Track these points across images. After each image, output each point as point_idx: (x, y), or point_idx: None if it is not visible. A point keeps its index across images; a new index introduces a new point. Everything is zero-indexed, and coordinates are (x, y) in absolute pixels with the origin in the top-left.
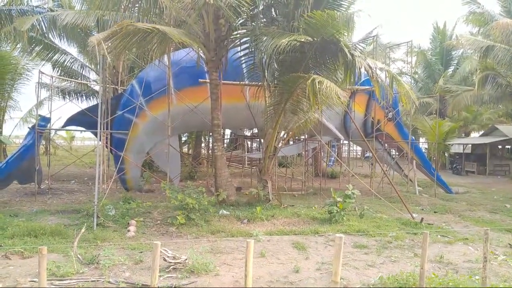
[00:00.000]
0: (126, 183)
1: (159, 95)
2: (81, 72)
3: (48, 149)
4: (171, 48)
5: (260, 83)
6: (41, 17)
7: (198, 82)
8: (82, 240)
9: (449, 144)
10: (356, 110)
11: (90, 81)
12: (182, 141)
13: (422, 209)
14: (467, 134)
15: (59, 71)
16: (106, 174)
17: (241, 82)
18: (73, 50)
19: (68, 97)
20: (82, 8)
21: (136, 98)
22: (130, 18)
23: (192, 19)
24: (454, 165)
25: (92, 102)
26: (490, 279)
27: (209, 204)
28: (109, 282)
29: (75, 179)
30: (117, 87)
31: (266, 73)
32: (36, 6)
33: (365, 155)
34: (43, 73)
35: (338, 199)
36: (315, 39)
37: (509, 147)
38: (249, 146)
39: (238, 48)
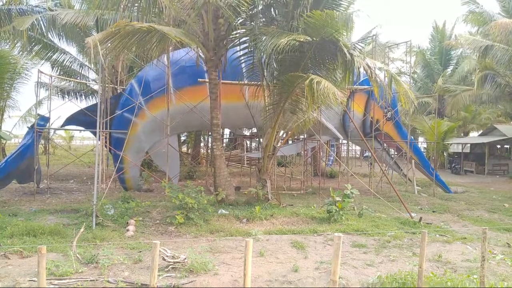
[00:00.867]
0: (125, 183)
1: (159, 95)
2: (80, 71)
3: (47, 148)
4: (171, 48)
5: (259, 83)
6: (40, 17)
7: (198, 81)
8: (81, 240)
9: (448, 144)
10: (355, 109)
11: (89, 81)
12: (181, 141)
13: (421, 209)
14: (466, 134)
15: (58, 70)
16: (105, 173)
17: (240, 82)
18: (72, 49)
19: (67, 97)
20: (82, 8)
21: (135, 97)
22: (129, 17)
23: (191, 18)
24: (453, 165)
25: (91, 101)
26: (488, 278)
27: (208, 204)
28: (108, 281)
29: (74, 178)
30: (116, 86)
31: (265, 73)
32: (36, 6)
33: (364, 155)
34: (42, 72)
35: (337, 198)
36: (314, 38)
37: (507, 146)
38: (248, 145)
39: (238, 48)
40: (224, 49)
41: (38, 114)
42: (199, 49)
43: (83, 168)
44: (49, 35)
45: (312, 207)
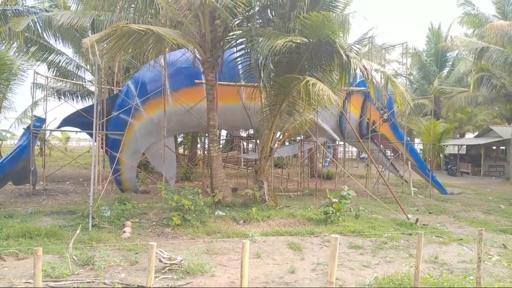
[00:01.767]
0: (121, 184)
1: (155, 96)
2: (76, 72)
3: (43, 150)
4: (167, 49)
5: (256, 84)
6: (36, 18)
7: (194, 83)
8: (77, 241)
9: (444, 145)
10: (352, 111)
11: (85, 82)
12: (178, 142)
13: (417, 210)
14: (462, 135)
15: (55, 71)
16: (102, 175)
17: (237, 83)
18: (68, 50)
19: (63, 98)
20: (78, 9)
21: (132, 98)
22: (125, 18)
23: (188, 20)
24: (449, 166)
25: (88, 102)
26: (484, 279)
27: (205, 205)
28: (104, 283)
29: (70, 180)
30: (112, 87)
31: (262, 74)
32: (31, 6)
33: (361, 156)
34: (38, 73)
35: (334, 200)
36: (311, 40)
37: (503, 148)
38: (245, 147)
39: (234, 49)
40: (220, 50)
41: (34, 115)
42: (195, 50)
43: (80, 169)
44: (45, 36)
45: (309, 209)
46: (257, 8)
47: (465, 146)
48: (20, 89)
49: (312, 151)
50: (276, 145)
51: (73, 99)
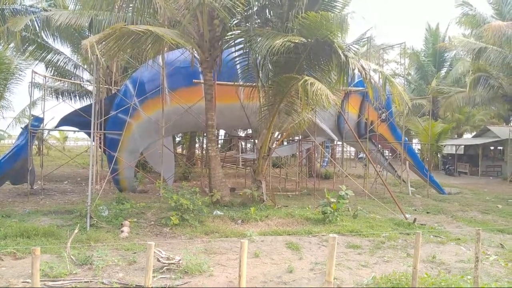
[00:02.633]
0: (119, 184)
1: (153, 96)
2: (74, 72)
3: (41, 149)
4: (165, 49)
5: (254, 84)
6: (35, 17)
7: (192, 82)
8: (75, 241)
9: (442, 145)
10: (350, 111)
11: (83, 81)
12: (176, 142)
13: (415, 210)
14: (460, 135)
15: (53, 71)
16: (100, 174)
17: (235, 83)
18: (66, 50)
19: (61, 97)
20: (76, 8)
21: (130, 98)
22: (124, 18)
23: (186, 19)
24: (447, 166)
25: (86, 102)
26: (482, 279)
27: (203, 205)
28: (102, 282)
29: (68, 179)
30: (111, 87)
31: (260, 74)
32: (30, 6)
33: (359, 156)
34: (36, 73)
35: (332, 199)
36: (309, 40)
37: (501, 148)
38: (243, 146)
39: (233, 49)
40: (219, 50)
41: (32, 115)
42: (194, 50)
43: (77, 169)
44: (44, 36)
45: (307, 208)
46: (255, 8)
47: (463, 146)
48: (18, 88)
49: (310, 151)
50: (274, 145)
51: (71, 99)
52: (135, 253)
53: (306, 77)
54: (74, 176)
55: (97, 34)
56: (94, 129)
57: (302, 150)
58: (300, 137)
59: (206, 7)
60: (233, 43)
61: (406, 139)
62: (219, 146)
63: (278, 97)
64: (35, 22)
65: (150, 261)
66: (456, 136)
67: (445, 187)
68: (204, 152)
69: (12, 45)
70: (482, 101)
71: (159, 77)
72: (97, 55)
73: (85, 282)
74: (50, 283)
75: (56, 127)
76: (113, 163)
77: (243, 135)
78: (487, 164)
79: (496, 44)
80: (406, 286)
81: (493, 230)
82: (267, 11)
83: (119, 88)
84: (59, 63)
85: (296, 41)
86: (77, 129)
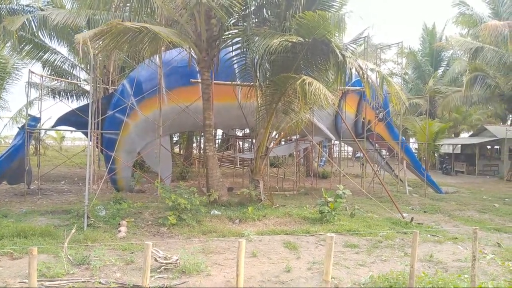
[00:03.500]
0: (116, 184)
1: (151, 95)
2: (71, 71)
3: (38, 149)
4: (163, 48)
5: (251, 83)
6: (31, 16)
7: (190, 82)
8: (72, 241)
9: (439, 145)
10: (347, 110)
11: (80, 81)
12: (174, 141)
13: (412, 209)
14: (457, 135)
15: (49, 70)
16: (97, 174)
17: (232, 82)
18: (63, 49)
19: (58, 97)
20: (73, 8)
21: (127, 98)
22: (121, 17)
23: (183, 19)
24: (444, 165)
25: (83, 102)
26: (479, 277)
27: (200, 204)
28: (99, 282)
29: (65, 179)
30: (108, 86)
31: (257, 73)
32: (26, 5)
33: (356, 155)
34: (33, 72)
35: (329, 199)
36: (307, 39)
37: (498, 147)
38: (241, 146)
39: (230, 48)
40: (216, 49)
41: (29, 115)
42: (191, 49)
43: (75, 169)
44: (40, 35)
45: (305, 208)
46: (253, 8)
47: (460, 146)
48: (14, 88)
49: (307, 150)
50: (272, 145)
51: (68, 98)
52: (132, 253)
53: (304, 77)
54: (71, 176)
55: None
56: (91, 129)
57: (300, 149)
58: (297, 137)
59: (203, 7)
60: (230, 43)
61: (403, 138)
62: (217, 145)
63: (276, 96)
64: (32, 22)
65: (148, 261)
66: (453, 135)
67: (442, 186)
68: (201, 151)
69: (8, 44)
70: (479, 101)
71: (156, 77)
72: (91, 51)
73: (82, 282)
74: (47, 283)
75: (53, 127)
76: (110, 162)
77: (240, 134)
78: (484, 163)
79: (493, 44)
80: (403, 285)
81: (490, 229)
82: (264, 10)
83: (116, 87)
84: (56, 62)
85: (294, 40)
86: (74, 129)
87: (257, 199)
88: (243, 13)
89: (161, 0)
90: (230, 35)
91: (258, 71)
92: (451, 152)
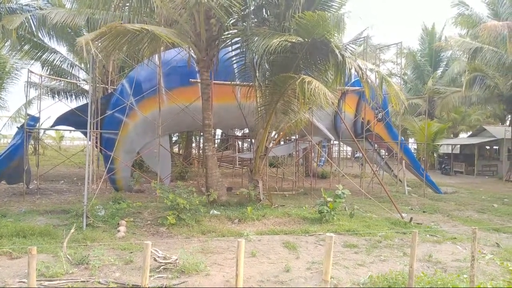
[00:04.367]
0: (116, 183)
1: (150, 95)
2: (70, 71)
3: (37, 149)
4: (162, 48)
5: (251, 83)
6: (30, 16)
7: (189, 82)
8: (71, 241)
9: (438, 145)
10: (347, 110)
11: (79, 80)
12: (173, 141)
13: (411, 209)
14: (456, 135)
15: (49, 70)
16: (96, 174)
17: (232, 82)
18: (62, 49)
19: (57, 97)
20: (72, 7)
21: (127, 97)
22: (120, 17)
23: (183, 18)
24: (443, 166)
25: (82, 101)
26: (478, 277)
27: (200, 204)
28: (99, 282)
29: (64, 179)
30: (107, 86)
31: (257, 73)
32: (25, 4)
33: (355, 155)
34: (32, 72)
35: (329, 199)
36: (306, 39)
37: (497, 147)
38: (240, 146)
39: (229, 48)
40: (216, 49)
41: (28, 114)
42: (190, 49)
43: (74, 168)
44: (39, 35)
45: (304, 208)
46: (252, 8)
47: (459, 146)
48: (13, 87)
49: (307, 150)
50: (271, 145)
51: (67, 98)
52: (131, 252)
53: (304, 76)
54: (70, 176)
55: (93, 32)
56: (90, 129)
57: (299, 149)
58: (297, 137)
59: (202, 7)
60: (230, 43)
61: (403, 138)
62: (216, 145)
63: (275, 96)
64: (31, 21)
65: (147, 261)
66: (452, 135)
67: (441, 186)
68: (200, 151)
69: (7, 43)
70: (478, 101)
71: (155, 77)
72: (92, 53)
73: (81, 281)
74: (46, 283)
75: (52, 126)
76: (109, 162)
77: (240, 134)
78: (483, 164)
79: (492, 44)
80: (402, 285)
81: (489, 229)
82: (264, 10)
83: (115, 87)
84: (55, 62)
85: (293, 40)
86: (73, 128)
87: (256, 199)
88: (242, 13)
89: (160, 0)
90: (229, 35)
91: (257, 71)
92: (450, 152)
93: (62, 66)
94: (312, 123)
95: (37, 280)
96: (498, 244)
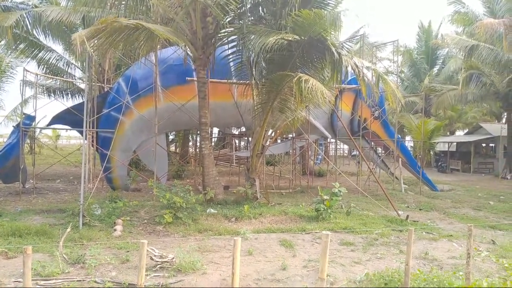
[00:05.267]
0: (112, 182)
1: (146, 93)
2: (66, 70)
3: (33, 148)
4: (158, 46)
5: (248, 82)
6: (25, 13)
7: (186, 80)
8: (67, 240)
9: (434, 142)
10: (343, 108)
11: (75, 79)
12: (170, 140)
13: (408, 207)
14: (452, 133)
15: (44, 68)
16: (92, 173)
17: (228, 81)
18: (58, 47)
19: (53, 95)
20: (68, 5)
21: (123, 96)
22: (116, 15)
23: (179, 17)
24: (439, 163)
25: (78, 100)
26: (473, 274)
27: (196, 203)
28: (95, 281)
29: (60, 178)
30: (103, 85)
31: (253, 71)
32: (20, 2)
33: (352, 153)
34: (27, 71)
35: (325, 197)
36: (303, 37)
37: (493, 145)
38: (237, 144)
39: (226, 46)
40: (212, 47)
41: (24, 113)
42: (187, 47)
43: (70, 167)
44: (35, 33)
45: (301, 206)
46: (248, 5)
47: (455, 143)
48: (9, 86)
49: (304, 148)
50: (268, 143)
51: (63, 97)
52: (128, 251)
53: (301, 74)
54: (66, 175)
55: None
56: (86, 127)
57: (296, 147)
58: (293, 135)
59: (199, 5)
60: (226, 41)
61: (399, 136)
62: (213, 144)
63: (272, 94)
64: (26, 19)
65: (143, 260)
66: (448, 133)
67: (437, 184)
68: (197, 150)
69: (3, 42)
70: (474, 99)
71: (152, 75)
72: (88, 51)
73: (77, 281)
74: (42, 282)
75: (48, 125)
76: (105, 161)
77: (237, 133)
78: (479, 161)
79: (488, 42)
80: (398, 283)
81: (485, 227)
82: (260, 8)
83: (111, 86)
84: (51, 60)
85: (290, 38)
86: (69, 127)
87: (253, 197)
88: (239, 11)
89: None
90: (226, 33)
91: (254, 69)
92: (446, 150)
93: (58, 65)
94: (309, 121)
95: (33, 280)
96: (494, 241)
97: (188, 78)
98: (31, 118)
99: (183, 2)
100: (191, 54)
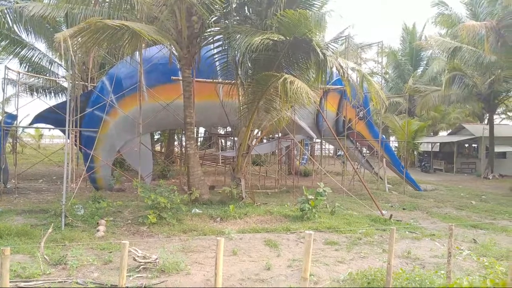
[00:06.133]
0: (96, 182)
1: (130, 92)
2: (49, 68)
3: (15, 147)
4: (143, 45)
5: (233, 81)
6: (6, 9)
7: (171, 79)
8: (49, 241)
9: (418, 143)
10: (328, 109)
11: (59, 78)
12: (155, 139)
13: (391, 206)
14: (436, 133)
15: (27, 67)
16: (75, 172)
17: (214, 80)
18: (41, 45)
19: (36, 94)
20: (50, 2)
21: (107, 95)
22: (100, 12)
23: (164, 15)
24: (423, 163)
25: (61, 99)
26: (454, 273)
27: (181, 203)
28: (77, 282)
29: (43, 178)
30: (87, 83)
31: (239, 71)
32: None
33: (337, 153)
34: (9, 69)
35: (310, 196)
36: (288, 38)
37: (475, 145)
38: (223, 144)
39: (212, 46)
40: (197, 47)
41: (5, 112)
42: (172, 46)
43: (53, 167)
44: (16, 30)
45: (286, 206)
46: (234, 5)
47: (438, 144)
48: None
49: (289, 148)
50: (253, 143)
51: (46, 95)
52: (111, 252)
53: (286, 75)
54: (49, 175)
55: (72, 27)
56: (69, 127)
57: (282, 147)
58: (279, 135)
59: (184, 3)
60: (211, 40)
61: (383, 136)
62: (199, 143)
63: (257, 94)
64: (7, 15)
65: (125, 261)
66: (432, 133)
67: (421, 183)
68: (183, 150)
69: None
70: (457, 100)
71: (136, 74)
72: (71, 50)
73: (59, 282)
74: (23, 284)
75: (30, 124)
76: (89, 161)
77: (222, 132)
78: (462, 161)
79: (471, 44)
80: (381, 282)
81: (467, 226)
82: (246, 8)
83: (95, 84)
84: (33, 58)
85: (275, 38)
86: (52, 126)
87: (238, 197)
88: (224, 10)
89: None
90: (211, 33)
91: (239, 69)
92: (430, 150)
93: (41, 63)
94: (295, 121)
95: (12, 281)
96: (475, 240)
97: (173, 78)
98: (13, 117)
99: (168, 1)
100: (176, 53)
